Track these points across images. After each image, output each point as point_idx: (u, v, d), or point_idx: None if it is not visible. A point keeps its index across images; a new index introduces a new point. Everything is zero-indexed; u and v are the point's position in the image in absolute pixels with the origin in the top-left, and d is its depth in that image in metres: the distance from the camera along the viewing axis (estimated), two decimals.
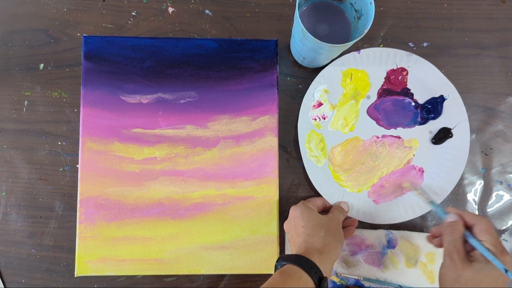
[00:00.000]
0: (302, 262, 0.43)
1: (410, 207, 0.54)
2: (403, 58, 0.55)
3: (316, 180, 0.54)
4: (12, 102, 0.56)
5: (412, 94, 0.56)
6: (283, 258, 0.45)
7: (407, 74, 0.56)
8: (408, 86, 0.56)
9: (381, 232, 0.55)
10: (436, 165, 0.55)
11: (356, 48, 0.56)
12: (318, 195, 0.55)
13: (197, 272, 0.53)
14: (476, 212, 0.57)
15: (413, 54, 0.55)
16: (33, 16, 0.57)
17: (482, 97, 0.58)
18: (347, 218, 0.54)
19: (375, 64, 0.56)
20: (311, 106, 0.55)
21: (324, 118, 0.56)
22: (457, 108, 0.55)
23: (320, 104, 0.55)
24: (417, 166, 0.56)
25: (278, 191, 0.54)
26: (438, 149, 0.55)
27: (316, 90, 0.55)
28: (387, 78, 0.56)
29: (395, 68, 0.56)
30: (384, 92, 0.56)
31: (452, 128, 0.55)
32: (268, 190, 0.54)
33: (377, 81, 0.56)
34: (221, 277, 0.55)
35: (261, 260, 0.53)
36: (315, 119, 0.55)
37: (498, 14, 0.59)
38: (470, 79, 0.58)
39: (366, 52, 0.55)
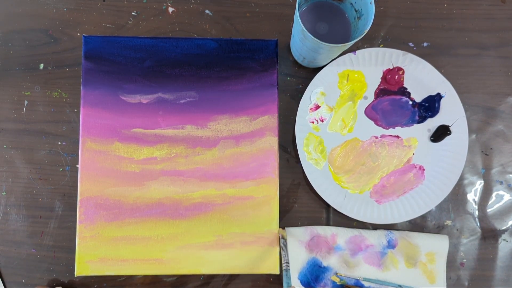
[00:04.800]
0: None
1: (410, 207, 0.54)
2: (399, 58, 0.55)
3: (316, 183, 0.54)
4: (12, 102, 0.57)
5: (409, 93, 0.56)
6: None
7: (403, 73, 0.56)
8: (404, 85, 0.56)
9: (381, 232, 0.55)
10: (437, 162, 0.55)
11: (356, 48, 0.56)
12: (318, 196, 0.55)
13: (197, 272, 0.53)
14: (476, 213, 0.57)
15: (409, 53, 0.55)
16: (33, 16, 0.57)
17: (482, 97, 0.58)
18: None
19: (371, 64, 0.56)
20: (308, 109, 0.55)
21: (322, 121, 0.56)
22: (454, 106, 0.55)
23: (317, 107, 0.55)
24: (417, 164, 0.56)
25: (278, 191, 0.54)
26: (437, 146, 0.55)
27: (312, 93, 0.55)
28: (384, 78, 0.56)
29: (391, 67, 0.56)
30: (381, 92, 0.56)
31: (450, 125, 0.55)
32: (268, 190, 0.54)
33: (374, 82, 0.56)
34: (221, 277, 0.55)
35: (261, 260, 0.53)
36: (313, 122, 0.55)
37: (498, 14, 0.59)
38: (470, 79, 0.58)
39: (361, 53, 0.55)
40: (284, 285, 0.45)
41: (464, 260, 0.56)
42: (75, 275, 0.52)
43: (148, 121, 0.54)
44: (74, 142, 0.56)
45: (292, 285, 0.54)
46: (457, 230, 0.56)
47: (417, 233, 0.55)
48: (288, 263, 0.48)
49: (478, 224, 0.57)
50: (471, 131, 0.57)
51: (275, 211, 0.54)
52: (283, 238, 0.52)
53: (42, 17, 0.57)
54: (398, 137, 0.56)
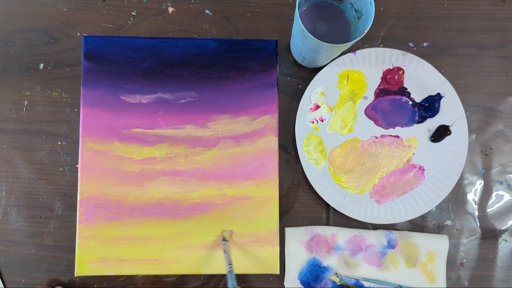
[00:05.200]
0: None
1: (410, 207, 0.54)
2: (399, 58, 0.55)
3: (316, 183, 0.54)
4: (12, 102, 0.57)
5: (409, 93, 0.56)
6: None
7: (403, 73, 0.56)
8: (404, 85, 0.56)
9: (381, 232, 0.55)
10: (437, 162, 0.55)
11: (356, 48, 0.56)
12: (318, 196, 0.55)
13: (197, 272, 0.53)
14: (476, 213, 0.57)
15: (409, 53, 0.55)
16: (33, 16, 0.57)
17: (482, 97, 0.58)
18: None
19: (371, 64, 0.56)
20: (308, 109, 0.55)
21: (322, 121, 0.56)
22: (454, 105, 0.55)
23: (317, 107, 0.55)
24: (417, 164, 0.56)
25: (278, 191, 0.54)
26: (437, 146, 0.55)
27: (312, 93, 0.55)
28: (384, 78, 0.56)
29: (391, 67, 0.56)
30: (381, 92, 0.56)
31: (450, 125, 0.55)
32: (268, 190, 0.54)
33: (374, 82, 0.56)
34: (221, 277, 0.55)
35: (261, 260, 0.53)
36: (313, 122, 0.55)
37: (498, 14, 0.59)
38: (470, 79, 0.58)
39: (361, 52, 0.55)
40: (229, 285, 0.45)
41: (464, 260, 0.56)
42: (75, 275, 0.52)
43: (148, 121, 0.54)
44: (74, 142, 0.56)
45: (292, 285, 0.54)
46: (457, 230, 0.56)
47: (417, 233, 0.55)
48: (231, 264, 0.48)
49: (478, 224, 0.57)
50: (471, 131, 0.57)
51: (275, 211, 0.54)
52: (224, 240, 0.52)
53: (42, 17, 0.57)
54: (398, 137, 0.56)
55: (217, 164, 0.54)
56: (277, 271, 0.53)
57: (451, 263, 0.56)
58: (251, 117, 0.55)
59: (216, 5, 0.58)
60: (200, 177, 0.54)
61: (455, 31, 0.59)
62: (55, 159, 0.56)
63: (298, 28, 0.47)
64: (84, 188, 0.53)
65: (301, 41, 0.49)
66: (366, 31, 0.45)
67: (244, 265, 0.53)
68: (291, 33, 0.55)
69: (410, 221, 0.56)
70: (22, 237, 0.55)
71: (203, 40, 0.56)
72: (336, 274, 0.54)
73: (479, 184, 0.57)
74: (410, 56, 0.55)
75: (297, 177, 0.56)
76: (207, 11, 0.58)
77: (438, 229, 0.56)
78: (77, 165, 0.55)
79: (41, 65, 0.57)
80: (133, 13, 0.58)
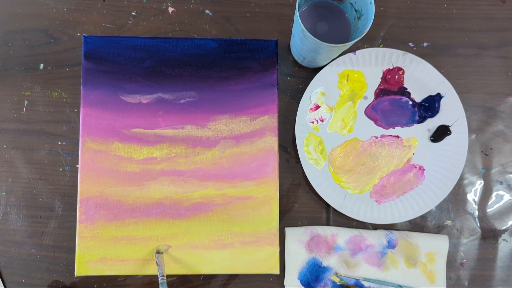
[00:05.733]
0: None
1: (410, 207, 0.54)
2: (399, 58, 0.55)
3: (316, 183, 0.54)
4: (12, 102, 0.57)
5: (409, 93, 0.56)
6: None
7: (403, 73, 0.56)
8: (404, 85, 0.56)
9: (381, 232, 0.55)
10: (437, 162, 0.55)
11: (356, 48, 0.56)
12: (318, 196, 0.55)
13: (197, 272, 0.53)
14: (476, 213, 0.57)
15: (409, 53, 0.55)
16: (33, 16, 0.57)
17: (482, 97, 0.58)
18: None
19: (371, 64, 0.56)
20: (308, 109, 0.55)
21: (322, 121, 0.56)
22: (454, 106, 0.55)
23: (317, 107, 0.55)
24: (417, 164, 0.56)
25: (278, 191, 0.54)
26: (437, 146, 0.55)
27: (312, 93, 0.55)
28: (384, 78, 0.56)
29: (391, 67, 0.56)
30: (381, 92, 0.56)
31: (450, 125, 0.55)
32: (268, 190, 0.54)
33: (374, 82, 0.56)
34: (221, 277, 0.55)
35: (261, 260, 0.53)
36: (313, 122, 0.55)
37: (498, 14, 0.59)
38: (470, 79, 0.58)
39: (361, 52, 0.55)
40: None
41: (464, 260, 0.56)
42: (75, 275, 0.52)
43: (148, 121, 0.54)
44: (74, 142, 0.56)
45: (292, 285, 0.54)
46: (457, 230, 0.56)
47: (417, 233, 0.55)
48: (164, 276, 0.48)
49: (478, 224, 0.57)
50: (471, 131, 0.57)
51: (275, 211, 0.54)
52: (158, 252, 0.51)
53: (42, 17, 0.57)
54: (398, 137, 0.56)
55: (217, 164, 0.54)
56: (277, 271, 0.53)
57: (451, 263, 0.56)
58: (251, 117, 0.55)
59: (216, 5, 0.58)
60: (200, 177, 0.54)
61: (455, 31, 0.59)
62: (55, 159, 0.56)
63: (298, 28, 0.47)
64: (84, 188, 0.53)
65: (301, 41, 0.49)
66: (366, 31, 0.45)
67: (244, 265, 0.53)
68: (291, 33, 0.55)
69: (410, 221, 0.56)
70: (22, 237, 0.55)
71: (203, 40, 0.56)
72: (336, 274, 0.54)
73: (479, 184, 0.57)
74: (410, 56, 0.55)
75: (297, 177, 0.56)
76: (207, 11, 0.58)
77: (438, 229, 0.56)
78: (77, 165, 0.55)
79: (41, 65, 0.57)
80: (133, 13, 0.58)
